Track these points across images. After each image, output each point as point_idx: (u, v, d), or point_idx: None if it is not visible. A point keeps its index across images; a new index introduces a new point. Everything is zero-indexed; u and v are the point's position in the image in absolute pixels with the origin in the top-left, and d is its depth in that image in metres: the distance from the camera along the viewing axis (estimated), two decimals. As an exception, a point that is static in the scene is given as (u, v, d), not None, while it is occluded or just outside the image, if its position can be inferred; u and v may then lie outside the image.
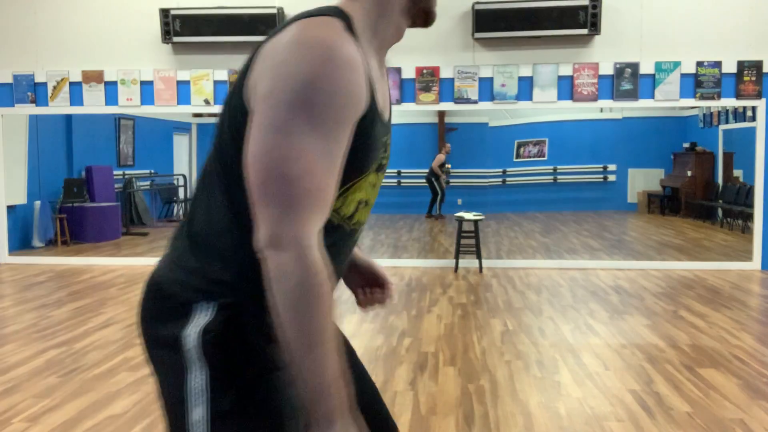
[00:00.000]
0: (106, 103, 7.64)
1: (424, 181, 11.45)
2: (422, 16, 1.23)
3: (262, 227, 1.01)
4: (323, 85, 1.00)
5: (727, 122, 9.84)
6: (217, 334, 1.07)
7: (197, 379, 1.07)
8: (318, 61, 1.01)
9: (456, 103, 7.32)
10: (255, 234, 1.03)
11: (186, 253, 1.17)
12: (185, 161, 11.81)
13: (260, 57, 1.08)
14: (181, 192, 11.48)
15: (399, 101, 7.36)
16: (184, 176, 11.51)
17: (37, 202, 8.49)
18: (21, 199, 8.27)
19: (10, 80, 7.71)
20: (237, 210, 1.13)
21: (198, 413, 1.07)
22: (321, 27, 1.05)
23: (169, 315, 1.12)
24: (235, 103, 1.11)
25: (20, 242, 8.30)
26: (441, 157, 11.33)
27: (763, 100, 7.06)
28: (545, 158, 11.90)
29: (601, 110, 10.91)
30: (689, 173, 10.70)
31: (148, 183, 11.00)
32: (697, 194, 10.51)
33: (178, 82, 7.56)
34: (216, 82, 7.53)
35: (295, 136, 1.00)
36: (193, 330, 1.08)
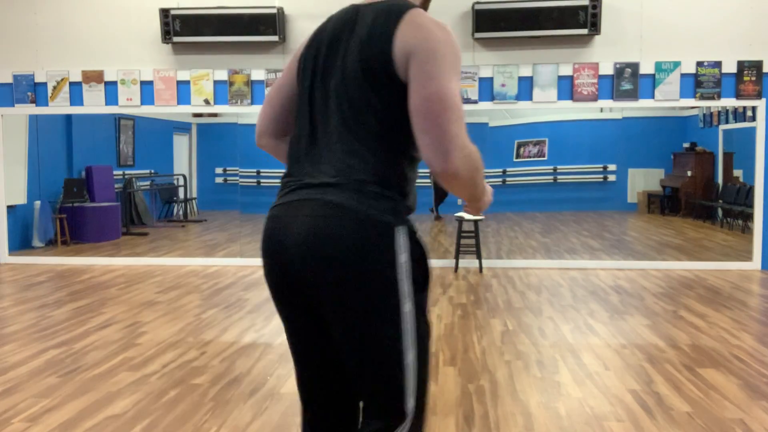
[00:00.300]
0: (106, 103, 7.65)
1: (426, 181, 11.46)
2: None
3: (457, 135, 1.51)
4: (459, 51, 1.58)
5: (727, 122, 9.84)
6: (409, 238, 1.65)
7: (403, 257, 1.60)
8: (451, 37, 1.57)
9: (456, 103, 7.31)
10: (432, 162, 1.54)
11: (367, 190, 1.56)
12: (185, 161, 11.80)
13: (401, 32, 1.53)
14: (181, 192, 11.48)
15: (399, 101, 7.35)
16: (184, 176, 11.51)
17: (37, 202, 8.49)
18: (21, 199, 8.27)
19: (10, 80, 7.71)
20: (397, 155, 1.63)
21: (404, 273, 1.60)
22: (427, 14, 1.60)
23: (385, 232, 1.57)
24: (383, 64, 1.54)
25: (20, 242, 8.30)
26: None
27: (763, 100, 7.06)
28: (545, 158, 11.90)
29: (601, 110, 10.91)
30: (689, 173, 10.69)
31: (148, 183, 11.00)
32: (697, 194, 10.51)
33: (178, 82, 7.56)
34: (216, 82, 7.53)
35: (457, 84, 1.54)
36: (402, 240, 1.61)
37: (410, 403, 1.59)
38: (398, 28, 1.54)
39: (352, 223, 1.54)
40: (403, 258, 1.60)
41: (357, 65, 1.57)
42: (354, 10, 1.66)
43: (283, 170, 1.82)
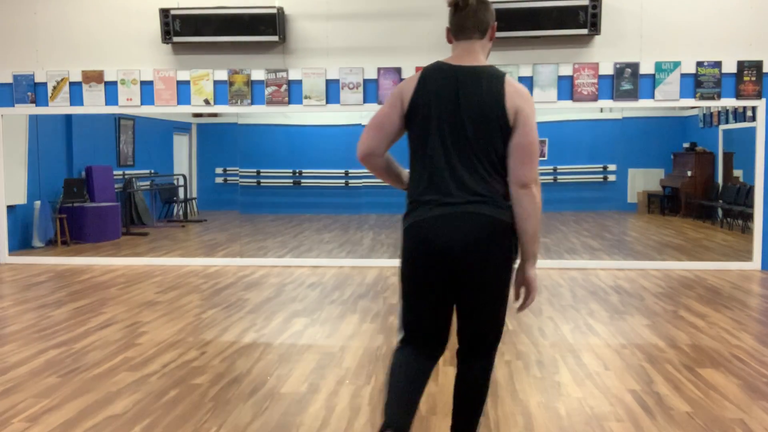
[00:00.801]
0: (106, 103, 7.65)
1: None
2: None
3: (531, 174, 2.23)
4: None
5: (727, 122, 9.84)
6: (515, 236, 2.30)
7: (514, 248, 2.31)
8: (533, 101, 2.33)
9: (456, 103, 7.32)
10: (523, 178, 2.23)
11: (498, 205, 2.25)
12: (185, 161, 11.81)
13: (508, 95, 2.24)
14: (181, 192, 11.48)
15: (399, 101, 7.35)
16: (184, 176, 11.52)
17: (37, 202, 8.49)
18: (21, 199, 8.27)
19: (10, 80, 7.71)
20: (504, 178, 2.28)
21: (512, 257, 2.33)
22: (519, 84, 2.34)
23: (505, 232, 2.26)
24: (499, 114, 2.23)
25: (20, 242, 8.30)
26: None
27: (763, 100, 7.06)
28: (545, 158, 11.89)
29: (601, 110, 10.91)
30: (689, 173, 10.69)
31: (148, 183, 11.00)
32: (697, 194, 10.51)
33: (178, 82, 7.56)
34: (216, 82, 7.53)
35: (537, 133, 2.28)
36: (514, 237, 2.29)
37: (497, 346, 2.52)
38: (506, 91, 2.26)
39: (498, 227, 2.26)
40: (515, 249, 2.35)
41: (483, 115, 2.24)
42: (452, 70, 2.32)
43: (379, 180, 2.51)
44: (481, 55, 2.38)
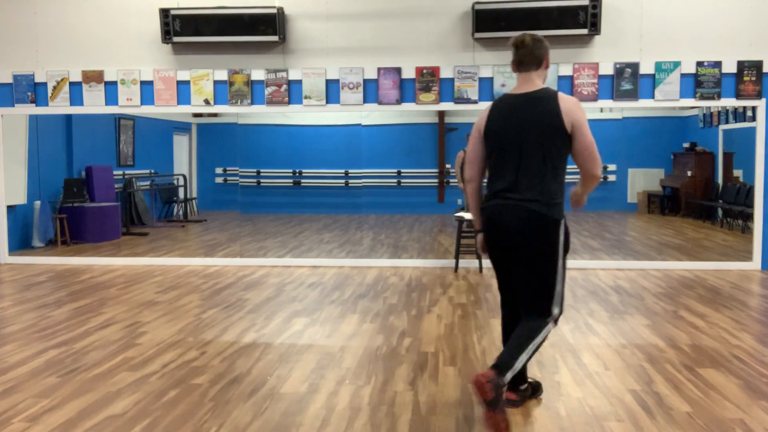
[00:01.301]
0: (106, 103, 7.65)
1: (426, 181, 11.45)
2: None
3: (595, 168, 3.04)
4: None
5: (727, 122, 9.84)
6: (564, 226, 3.05)
7: (561, 236, 3.04)
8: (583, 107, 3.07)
9: (456, 103, 7.32)
10: (592, 170, 3.05)
11: (547, 202, 2.98)
12: (185, 161, 11.81)
13: (564, 109, 2.98)
14: (181, 192, 11.48)
15: (399, 101, 7.36)
16: (184, 176, 11.51)
17: (37, 202, 8.49)
18: (21, 199, 8.27)
19: (10, 80, 7.72)
20: (557, 175, 3.01)
21: (561, 244, 3.05)
22: (571, 97, 3.10)
23: (555, 224, 3.00)
24: (558, 127, 2.97)
25: (20, 242, 8.30)
26: (461, 154, 10.09)
27: (763, 100, 7.06)
28: (545, 158, 11.88)
29: (601, 110, 10.91)
30: (689, 173, 10.69)
31: (148, 183, 11.00)
32: (697, 194, 10.51)
33: (178, 82, 7.56)
34: (216, 82, 7.53)
35: (591, 134, 3.01)
36: (562, 227, 3.02)
37: (555, 310, 3.15)
38: (560, 107, 3.00)
39: (539, 217, 3.02)
40: (561, 237, 3.07)
41: (540, 131, 3.01)
42: (513, 98, 3.14)
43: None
44: (537, 81, 3.15)
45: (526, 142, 3.02)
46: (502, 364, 2.95)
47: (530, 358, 3.05)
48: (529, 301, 3.14)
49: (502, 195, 3.08)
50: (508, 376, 2.94)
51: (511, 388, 3.25)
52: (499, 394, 2.85)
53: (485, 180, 3.27)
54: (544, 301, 3.11)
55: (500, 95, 3.24)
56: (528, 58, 3.12)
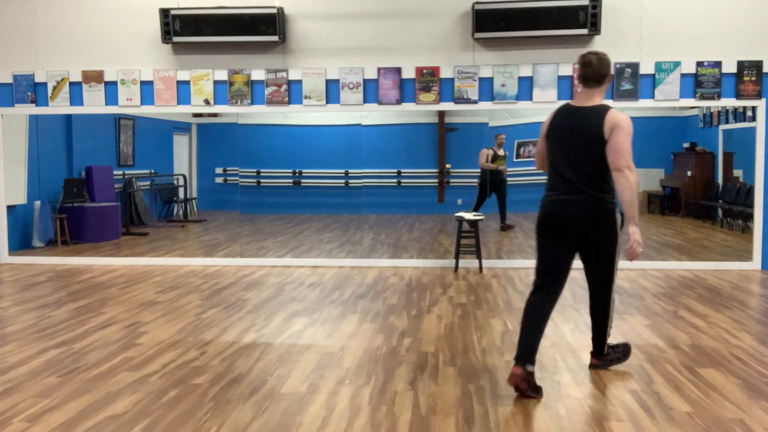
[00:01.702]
0: (106, 103, 7.65)
1: (426, 181, 11.44)
2: None
3: (619, 161, 3.39)
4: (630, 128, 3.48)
5: (727, 122, 9.83)
6: (619, 214, 3.54)
7: (618, 221, 3.52)
8: (628, 121, 3.48)
9: (456, 103, 7.32)
10: (614, 164, 3.41)
11: (601, 195, 3.46)
12: (185, 161, 11.80)
13: (607, 120, 3.43)
14: (181, 192, 11.48)
15: (399, 101, 7.36)
16: (184, 176, 11.51)
17: (37, 202, 8.49)
18: (21, 199, 8.27)
19: (10, 80, 7.72)
20: (605, 175, 3.47)
21: (618, 228, 3.53)
22: (621, 114, 3.51)
23: (611, 213, 3.49)
24: (599, 135, 3.43)
25: (20, 242, 8.30)
26: (485, 151, 9.85)
27: (763, 100, 7.06)
28: (545, 158, 11.88)
29: (601, 110, 10.87)
30: (689, 173, 10.69)
31: (148, 183, 11.00)
32: (697, 194, 10.50)
33: (178, 82, 7.56)
34: (216, 82, 7.53)
35: (629, 140, 3.42)
36: (618, 215, 3.52)
37: (616, 280, 3.71)
38: (605, 120, 3.44)
39: (596, 208, 3.48)
40: (618, 224, 3.52)
41: (588, 140, 3.47)
42: (572, 110, 3.60)
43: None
44: (597, 97, 3.57)
45: (578, 148, 3.50)
46: (598, 350, 3.86)
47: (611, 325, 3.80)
48: (596, 277, 3.68)
49: (560, 190, 3.54)
50: (606, 349, 3.86)
51: (593, 355, 3.93)
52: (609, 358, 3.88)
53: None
54: (610, 274, 3.65)
55: (564, 104, 3.70)
56: (592, 76, 3.55)
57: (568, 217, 3.49)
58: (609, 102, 7.22)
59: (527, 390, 3.42)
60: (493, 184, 9.60)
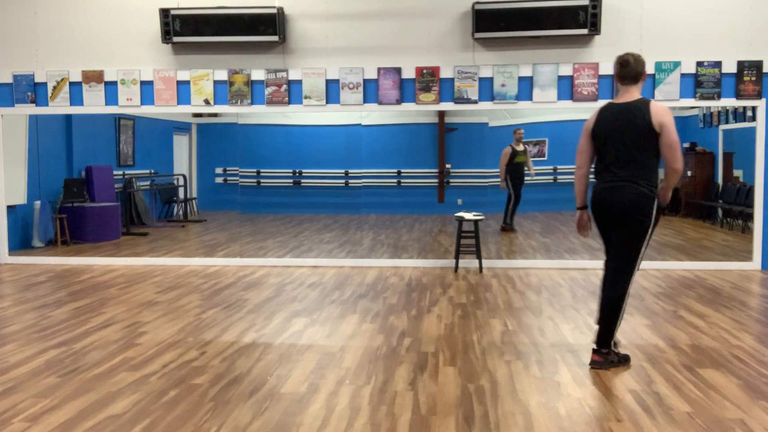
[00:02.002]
0: (106, 103, 7.65)
1: (425, 181, 11.44)
2: None
3: (675, 161, 3.77)
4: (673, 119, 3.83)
5: (727, 122, 9.83)
6: (657, 204, 3.85)
7: (654, 211, 3.82)
8: (669, 111, 3.85)
9: (456, 103, 7.32)
10: (673, 164, 3.79)
11: (644, 183, 3.79)
12: (185, 161, 11.80)
13: (653, 114, 3.78)
14: (181, 192, 11.48)
15: (399, 101, 7.36)
16: (184, 176, 11.51)
17: (37, 202, 8.49)
18: (21, 199, 8.27)
19: (10, 80, 7.72)
20: (652, 165, 3.84)
21: (653, 217, 3.83)
22: (662, 104, 3.89)
23: (651, 201, 3.80)
24: (649, 128, 3.77)
25: (20, 242, 8.30)
26: (507, 150, 9.74)
27: (763, 100, 7.06)
28: (545, 158, 11.90)
29: (601, 110, 10.87)
30: (689, 173, 10.69)
31: (148, 183, 11.00)
32: (697, 194, 10.50)
33: (178, 82, 7.56)
34: (216, 82, 7.53)
35: (676, 132, 3.77)
36: (655, 203, 3.82)
37: (637, 266, 3.99)
38: (651, 112, 3.78)
39: (639, 195, 3.79)
40: (654, 212, 3.82)
41: (635, 132, 3.80)
42: (615, 107, 3.95)
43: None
44: (635, 93, 3.94)
45: (627, 140, 3.82)
46: (603, 342, 3.96)
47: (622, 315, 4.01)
48: (621, 258, 3.97)
49: (608, 179, 3.89)
50: (617, 338, 4.04)
51: (595, 349, 3.99)
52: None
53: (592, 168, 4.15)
54: (632, 259, 3.94)
55: (608, 102, 4.07)
56: (630, 75, 3.93)
57: (613, 202, 3.85)
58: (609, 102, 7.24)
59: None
60: (516, 181, 9.59)
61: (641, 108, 3.81)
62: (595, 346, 3.95)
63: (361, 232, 10.11)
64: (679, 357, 4.11)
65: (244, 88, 7.49)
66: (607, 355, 3.92)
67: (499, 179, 9.81)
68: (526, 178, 9.90)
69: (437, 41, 7.34)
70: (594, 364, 3.91)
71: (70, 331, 4.75)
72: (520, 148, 9.64)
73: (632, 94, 3.92)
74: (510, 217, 9.59)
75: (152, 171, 11.11)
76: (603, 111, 3.99)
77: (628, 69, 3.93)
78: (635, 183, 3.79)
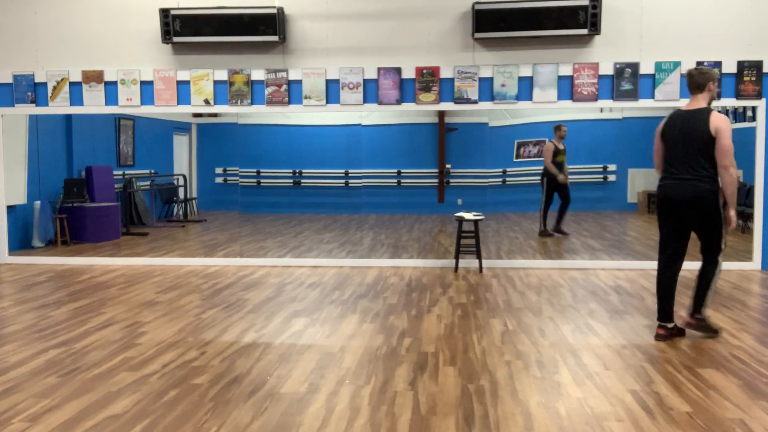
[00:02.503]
0: (106, 103, 7.65)
1: (425, 181, 11.44)
2: None
3: (724, 161, 4.31)
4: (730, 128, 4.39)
5: (666, 116, 9.82)
6: (713, 196, 4.40)
7: (720, 201, 4.38)
8: (728, 122, 4.38)
9: (456, 103, 7.32)
10: (721, 161, 4.32)
11: (704, 180, 4.36)
12: (185, 161, 11.80)
13: (711, 121, 4.33)
14: (181, 192, 11.47)
15: (399, 101, 7.36)
16: (184, 176, 11.51)
17: (37, 202, 8.49)
18: (21, 199, 8.27)
19: (10, 80, 7.72)
20: (708, 165, 4.37)
21: (720, 206, 4.40)
22: (720, 114, 4.43)
23: (712, 194, 4.35)
24: (707, 134, 4.33)
25: (20, 242, 8.30)
26: (549, 146, 9.23)
27: (763, 100, 7.06)
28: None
29: (601, 110, 10.92)
30: (689, 173, 10.67)
31: (148, 183, 10.99)
32: (697, 194, 10.48)
33: (178, 82, 7.56)
34: (216, 82, 7.53)
35: (730, 140, 4.32)
36: (720, 196, 4.38)
37: (721, 256, 4.48)
38: (710, 121, 4.32)
39: (700, 190, 4.33)
40: (720, 202, 4.34)
41: (696, 137, 4.34)
42: (681, 113, 4.50)
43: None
44: (702, 102, 4.45)
45: (689, 143, 4.38)
46: (695, 308, 4.52)
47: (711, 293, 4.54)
48: (708, 241, 4.46)
49: (674, 177, 4.45)
50: (704, 312, 4.54)
51: (690, 314, 4.57)
52: (701, 322, 4.55)
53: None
54: (715, 249, 4.45)
55: (677, 109, 4.63)
56: (694, 85, 4.48)
57: (677, 198, 4.41)
58: (609, 102, 7.25)
59: (671, 335, 4.51)
60: (553, 182, 9.07)
61: (703, 115, 4.37)
62: (690, 310, 4.58)
63: (361, 232, 10.11)
64: (679, 357, 4.12)
65: (244, 88, 7.49)
66: (700, 320, 4.51)
67: (537, 179, 9.31)
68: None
69: (437, 41, 7.34)
70: (688, 326, 4.53)
71: (70, 331, 4.75)
72: (562, 147, 9.13)
73: (698, 102, 4.47)
74: (542, 221, 9.11)
75: (152, 171, 11.11)
76: (672, 116, 4.57)
77: (692, 81, 4.49)
78: (696, 180, 4.34)
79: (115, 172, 10.03)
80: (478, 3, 7.05)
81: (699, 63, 7.05)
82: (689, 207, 4.38)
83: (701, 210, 4.36)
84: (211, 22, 7.29)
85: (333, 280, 6.70)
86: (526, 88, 7.27)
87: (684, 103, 4.66)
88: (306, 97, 7.43)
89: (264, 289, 6.23)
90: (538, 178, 11.79)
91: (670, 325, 4.53)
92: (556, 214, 9.25)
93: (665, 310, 4.53)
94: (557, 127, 9.28)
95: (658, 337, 4.50)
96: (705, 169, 4.36)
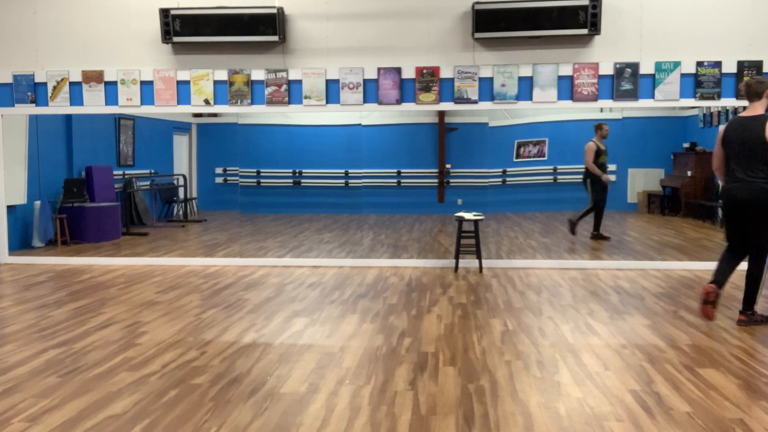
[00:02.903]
0: (106, 103, 7.65)
1: (426, 181, 11.44)
2: None
3: None
4: None
5: (727, 122, 9.83)
6: None
7: None
8: None
9: (456, 103, 7.32)
10: None
11: (761, 182, 4.71)
12: (185, 161, 11.80)
13: (766, 126, 4.69)
14: (181, 192, 11.48)
15: (399, 101, 7.36)
16: (184, 176, 11.51)
17: (37, 202, 8.49)
18: (21, 199, 8.27)
19: (10, 80, 7.72)
20: (765, 168, 4.73)
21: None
22: None
23: (763, 193, 4.70)
24: (761, 138, 4.68)
25: (20, 242, 8.30)
26: (591, 146, 8.73)
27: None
28: (545, 158, 11.89)
29: (601, 110, 10.92)
30: (689, 173, 10.69)
31: (148, 183, 10.99)
32: (697, 194, 10.50)
33: (178, 82, 7.56)
34: (216, 82, 7.53)
35: None
36: None
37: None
38: (765, 126, 4.68)
39: (758, 190, 4.69)
40: None
41: (753, 141, 4.70)
42: (740, 119, 4.84)
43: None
44: (759, 109, 4.80)
45: (748, 147, 4.72)
46: (718, 279, 4.86)
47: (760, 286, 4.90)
48: (755, 244, 4.79)
49: (737, 179, 4.79)
50: (753, 308, 4.90)
51: (741, 311, 4.91)
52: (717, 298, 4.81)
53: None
54: (765, 240, 4.76)
55: (735, 116, 4.92)
56: (752, 94, 4.82)
57: (738, 198, 4.76)
58: (609, 102, 7.25)
59: (712, 295, 4.78)
60: (600, 183, 8.74)
61: (759, 121, 4.72)
62: (742, 308, 4.91)
63: (361, 232, 10.12)
64: (679, 357, 4.12)
65: (244, 88, 7.49)
66: (751, 316, 4.83)
67: (579, 179, 9.02)
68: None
69: (437, 41, 7.34)
70: (741, 323, 4.84)
71: (70, 331, 4.75)
72: (603, 147, 8.72)
73: (756, 109, 4.81)
74: (596, 226, 8.81)
75: (152, 171, 11.11)
76: (731, 122, 4.90)
77: (750, 90, 4.83)
78: (754, 181, 4.69)
79: (115, 172, 10.03)
80: (478, 3, 7.05)
81: (699, 63, 7.05)
82: (746, 207, 4.73)
83: (756, 209, 4.70)
84: (211, 22, 7.29)
85: (333, 280, 6.70)
86: (526, 88, 7.27)
87: (738, 107, 5.06)
88: (306, 97, 7.43)
89: (264, 289, 6.23)
90: (538, 178, 11.77)
91: (749, 312, 4.88)
92: (577, 215, 8.96)
93: (722, 279, 4.91)
94: (598, 125, 8.74)
95: (741, 323, 4.88)
96: (761, 170, 4.69)
